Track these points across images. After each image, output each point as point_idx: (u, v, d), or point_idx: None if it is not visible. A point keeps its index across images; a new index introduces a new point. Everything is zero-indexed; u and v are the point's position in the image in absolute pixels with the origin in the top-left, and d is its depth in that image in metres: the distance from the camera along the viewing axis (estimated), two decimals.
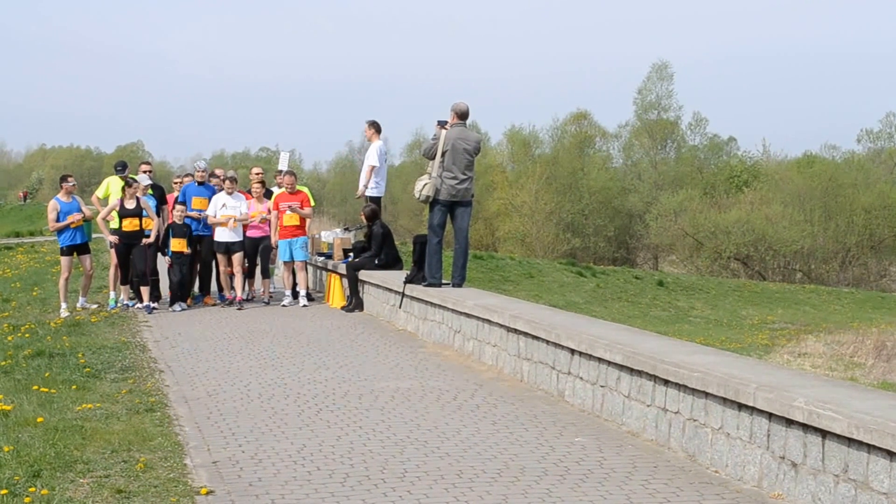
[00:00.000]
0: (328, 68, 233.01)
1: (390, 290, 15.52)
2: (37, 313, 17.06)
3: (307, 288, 18.37)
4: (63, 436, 8.21)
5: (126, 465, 7.42)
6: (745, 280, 50.74)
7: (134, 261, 17.09)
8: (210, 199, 17.94)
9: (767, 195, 67.00)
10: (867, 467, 6.01)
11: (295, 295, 18.31)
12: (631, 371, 8.61)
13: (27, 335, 13.90)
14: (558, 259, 46.56)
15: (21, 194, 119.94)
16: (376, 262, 16.88)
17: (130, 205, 16.96)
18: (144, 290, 17.01)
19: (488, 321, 11.74)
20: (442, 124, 13.84)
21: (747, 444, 7.10)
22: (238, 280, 17.83)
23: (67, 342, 13.22)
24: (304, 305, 17.85)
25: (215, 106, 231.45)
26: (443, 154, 13.57)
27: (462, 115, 13.80)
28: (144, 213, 17.12)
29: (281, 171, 19.59)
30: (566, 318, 11.00)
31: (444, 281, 14.08)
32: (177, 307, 17.35)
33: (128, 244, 16.98)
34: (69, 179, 17.64)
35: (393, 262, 17.02)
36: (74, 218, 17.01)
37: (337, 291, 17.98)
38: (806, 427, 6.49)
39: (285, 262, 18.25)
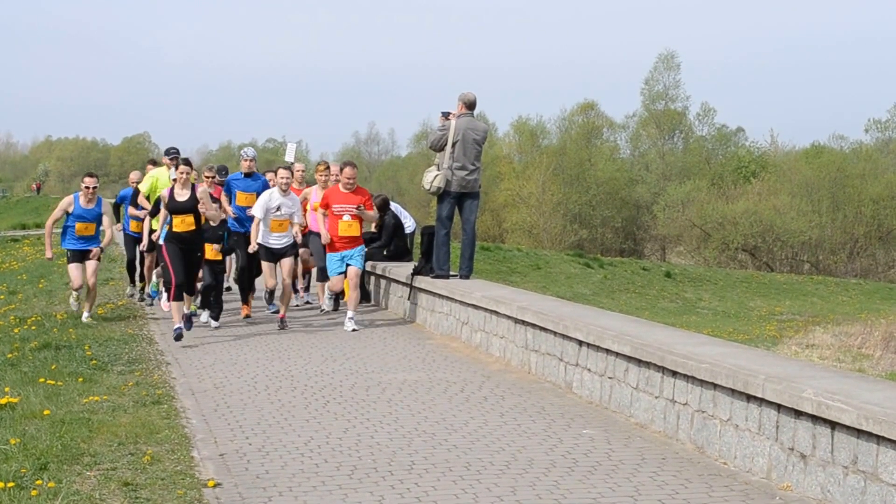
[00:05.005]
0: (335, 59, 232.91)
1: (398, 281, 15.50)
2: (43, 305, 17.04)
3: (356, 307, 14.26)
4: (70, 428, 8.20)
5: (133, 458, 7.42)
6: (752, 271, 50.68)
7: (203, 272, 14.01)
8: (258, 195, 14.64)
9: (775, 186, 66.92)
10: (876, 459, 5.98)
11: (332, 304, 15.78)
12: (639, 362, 8.58)
13: (33, 327, 13.89)
14: (565, 250, 46.58)
15: (34, 186, 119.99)
16: (385, 252, 16.84)
17: (183, 196, 13.04)
18: (187, 299, 13.30)
19: (496, 313, 11.71)
20: (446, 115, 13.79)
21: (756, 436, 7.07)
22: (287, 291, 14.21)
23: (74, 334, 13.22)
24: (354, 330, 13.82)
25: (222, 97, 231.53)
26: (453, 144, 13.51)
27: (470, 105, 13.75)
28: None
29: (292, 164, 18.01)
30: (574, 310, 10.97)
31: (451, 272, 14.05)
32: (204, 317, 14.45)
33: (187, 249, 13.01)
34: (91, 181, 14.49)
35: (402, 254, 16.98)
36: (94, 255, 14.59)
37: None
38: (815, 418, 6.47)
39: (334, 276, 14.50)
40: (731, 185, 69.85)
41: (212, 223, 13.54)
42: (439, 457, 7.52)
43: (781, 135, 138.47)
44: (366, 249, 14.93)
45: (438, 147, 13.71)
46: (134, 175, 17.79)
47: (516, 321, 11.15)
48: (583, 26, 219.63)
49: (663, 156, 79.77)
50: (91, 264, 14.58)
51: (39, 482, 6.74)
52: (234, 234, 15.04)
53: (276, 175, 14.34)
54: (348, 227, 14.04)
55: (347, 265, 14.12)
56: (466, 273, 13.94)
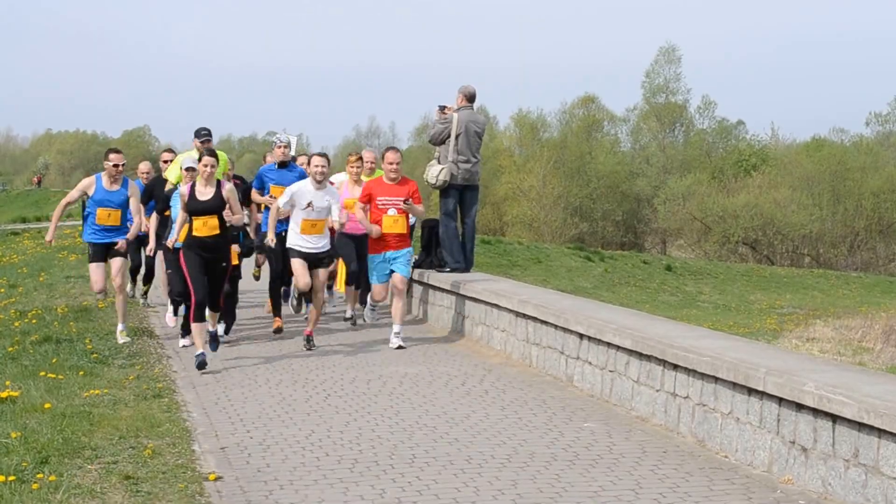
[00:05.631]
0: (335, 53, 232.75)
1: None
2: (43, 299, 17.02)
3: (402, 320, 12.31)
4: (71, 422, 8.20)
5: (134, 452, 7.42)
6: (753, 265, 50.64)
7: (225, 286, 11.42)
8: None
9: (776, 179, 66.80)
10: (878, 452, 5.98)
11: (374, 315, 13.55)
12: (640, 356, 8.58)
13: (34, 321, 13.89)
14: (566, 244, 46.51)
15: (36, 179, 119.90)
16: None
17: (206, 194, 10.75)
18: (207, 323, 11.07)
19: (496, 306, 11.70)
20: (442, 108, 13.75)
21: (757, 429, 7.07)
22: (318, 306, 11.99)
23: (74, 328, 13.21)
24: (400, 347, 11.93)
25: (222, 91, 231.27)
26: (456, 137, 13.48)
27: (471, 98, 13.74)
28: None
29: (295, 158, 15.30)
30: (575, 303, 10.97)
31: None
32: (219, 329, 11.75)
33: (211, 257, 10.82)
34: (118, 158, 12.10)
35: None
36: (119, 247, 12.18)
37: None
38: (816, 412, 6.47)
39: (376, 284, 12.43)
40: (731, 179, 69.73)
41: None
42: (441, 450, 7.52)
43: (782, 128, 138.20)
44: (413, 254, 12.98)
45: (439, 141, 13.67)
46: (143, 166, 16.22)
47: (517, 314, 11.15)
48: (584, 20, 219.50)
49: (664, 149, 79.64)
50: (116, 262, 12.19)
51: (40, 476, 6.74)
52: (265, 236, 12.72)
53: (309, 163, 12.00)
54: (394, 222, 12.11)
55: (391, 271, 12.22)
56: (467, 266, 13.93)
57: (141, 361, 11.12)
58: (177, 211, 11.44)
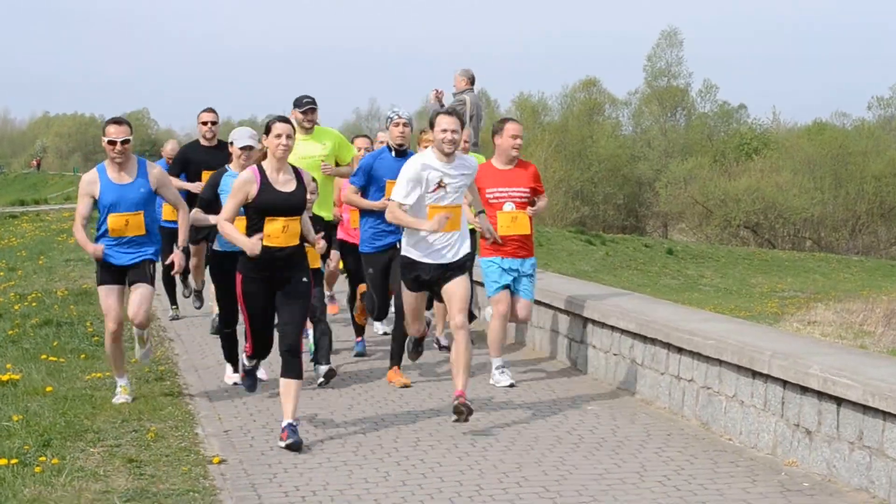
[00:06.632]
0: (336, 34, 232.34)
1: None
2: (43, 282, 16.97)
3: (499, 352, 9.24)
4: (73, 405, 8.19)
5: (137, 435, 7.41)
6: (754, 248, 50.59)
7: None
8: None
9: (777, 163, 66.72)
10: (882, 434, 5.97)
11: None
12: (644, 339, 8.56)
13: (34, 304, 13.84)
14: (567, 227, 46.47)
15: (34, 163, 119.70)
16: None
17: (287, 184, 7.31)
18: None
19: None
20: (439, 93, 13.63)
21: (761, 412, 7.06)
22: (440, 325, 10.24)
23: (75, 311, 13.17)
24: (511, 385, 8.98)
25: (221, 72, 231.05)
26: (470, 118, 13.39)
27: (473, 80, 13.72)
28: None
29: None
30: (579, 287, 10.94)
31: None
32: (262, 373, 8.78)
33: (281, 276, 7.34)
34: (117, 131, 8.13)
35: None
36: (177, 268, 8.48)
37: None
38: (821, 394, 6.46)
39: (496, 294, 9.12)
40: (733, 162, 69.65)
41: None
42: (444, 433, 7.50)
43: (783, 112, 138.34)
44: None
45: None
46: (171, 147, 13.74)
47: None
48: (585, 2, 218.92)
49: (665, 133, 79.54)
50: (139, 293, 8.18)
51: (43, 459, 6.73)
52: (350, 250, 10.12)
53: (432, 130, 8.02)
54: (512, 221, 8.99)
55: (513, 293, 9.14)
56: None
57: None
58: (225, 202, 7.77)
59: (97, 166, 8.37)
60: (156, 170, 8.37)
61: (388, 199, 8.05)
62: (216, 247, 8.78)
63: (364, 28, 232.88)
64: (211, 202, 8.64)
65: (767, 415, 7.01)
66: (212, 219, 8.21)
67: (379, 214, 8.91)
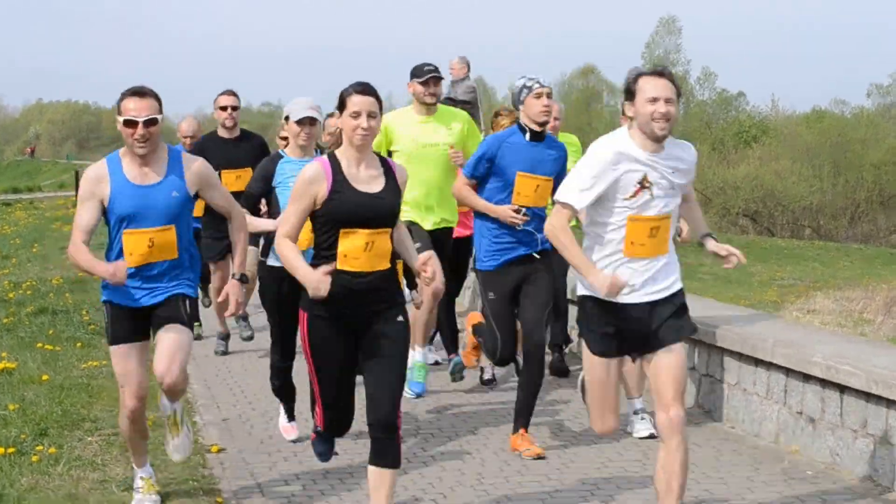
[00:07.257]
0: (335, 35, 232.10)
1: None
2: (38, 270, 16.87)
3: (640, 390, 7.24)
4: (69, 394, 8.13)
5: None
6: (753, 236, 50.51)
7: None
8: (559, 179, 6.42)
9: (776, 151, 66.66)
10: (886, 422, 5.96)
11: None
12: None
13: (29, 292, 13.74)
14: None
15: (29, 150, 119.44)
16: None
17: (375, 182, 5.08)
18: None
19: None
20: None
21: (764, 400, 7.02)
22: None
23: (70, 299, 13.06)
24: (652, 436, 6.88)
25: (217, 64, 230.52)
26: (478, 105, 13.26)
27: (469, 68, 13.69)
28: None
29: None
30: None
31: None
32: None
33: (362, 312, 5.10)
34: (138, 105, 5.29)
35: None
36: (234, 309, 5.93)
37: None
38: (824, 382, 6.43)
39: None
40: (731, 150, 69.63)
41: None
42: (445, 422, 7.47)
43: (782, 99, 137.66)
44: None
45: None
46: (187, 126, 10.50)
47: None
48: None
49: None
50: (168, 342, 5.62)
51: (40, 448, 6.69)
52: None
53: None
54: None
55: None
56: None
57: None
58: (285, 202, 5.58)
59: (107, 157, 5.56)
60: (196, 163, 5.59)
61: (547, 205, 5.97)
62: (270, 261, 6.62)
63: (364, 28, 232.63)
64: (260, 200, 6.61)
65: (770, 403, 6.97)
66: (268, 223, 6.43)
67: (498, 220, 6.69)
